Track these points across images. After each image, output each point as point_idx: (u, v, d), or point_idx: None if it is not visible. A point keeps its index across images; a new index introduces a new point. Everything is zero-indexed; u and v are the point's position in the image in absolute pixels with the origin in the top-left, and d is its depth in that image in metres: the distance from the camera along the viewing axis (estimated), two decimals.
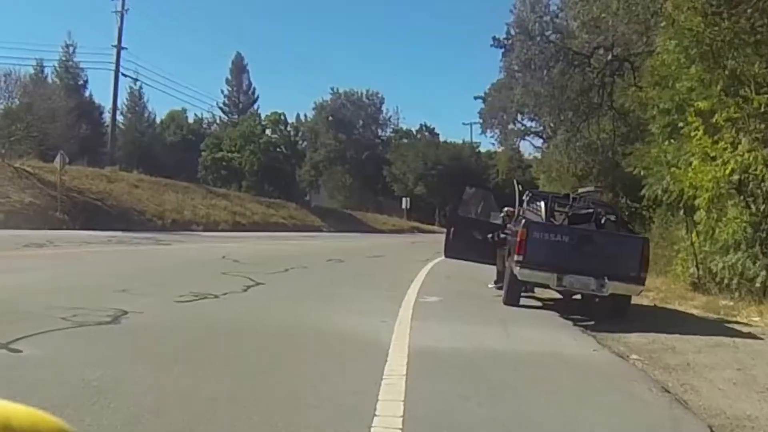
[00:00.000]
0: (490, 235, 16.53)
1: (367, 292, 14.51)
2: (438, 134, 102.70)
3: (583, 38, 36.50)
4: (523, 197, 15.75)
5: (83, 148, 53.33)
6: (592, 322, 12.53)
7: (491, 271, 17.05)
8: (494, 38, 45.22)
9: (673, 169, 18.83)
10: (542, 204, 15.09)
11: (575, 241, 13.13)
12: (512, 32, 39.77)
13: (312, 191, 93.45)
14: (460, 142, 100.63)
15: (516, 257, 12.99)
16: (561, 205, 15.43)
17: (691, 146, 17.97)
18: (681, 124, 18.41)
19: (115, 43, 59.99)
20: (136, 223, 41.80)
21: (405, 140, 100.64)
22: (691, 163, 17.88)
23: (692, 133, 17.53)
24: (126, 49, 60.92)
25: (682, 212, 20.66)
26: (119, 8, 59.45)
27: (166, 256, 22.21)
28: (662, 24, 21.78)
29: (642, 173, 21.44)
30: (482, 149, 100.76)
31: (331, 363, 7.55)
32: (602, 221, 14.37)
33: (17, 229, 28.66)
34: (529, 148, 74.45)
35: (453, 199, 19.81)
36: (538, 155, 74.19)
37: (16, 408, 1.04)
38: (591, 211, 14.45)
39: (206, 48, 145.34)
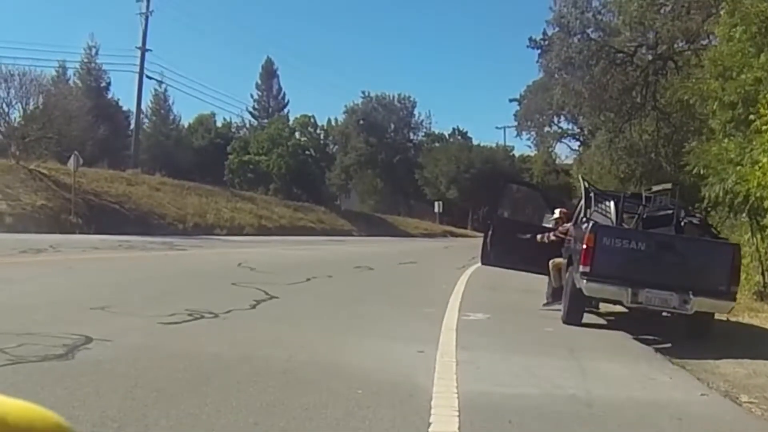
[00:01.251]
0: (540, 236, 14.21)
1: (399, 310, 12.31)
2: (471, 138, 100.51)
3: (626, 36, 35.46)
4: (589, 195, 13.35)
5: (105, 150, 52.11)
6: (669, 345, 10.57)
7: (539, 281, 14.91)
8: (530, 39, 44.41)
9: (738, 167, 16.88)
10: (612, 204, 12.71)
11: (653, 248, 10.85)
12: (550, 31, 38.63)
13: (342, 195, 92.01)
14: (494, 146, 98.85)
15: (581, 268, 10.71)
16: (632, 206, 12.94)
17: (761, 141, 15.86)
18: (752, 117, 16.29)
19: (140, 44, 58.69)
20: (156, 227, 40.42)
21: (437, 144, 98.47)
22: (758, 162, 15.78)
23: (763, 128, 15.62)
24: (150, 51, 59.72)
25: (745, 215, 18.44)
26: (144, 10, 58.20)
27: (173, 264, 20.08)
28: (723, 11, 20.21)
29: (702, 172, 19.26)
30: (516, 153, 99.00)
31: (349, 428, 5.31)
32: (682, 224, 12.02)
33: (25, 233, 26.97)
34: (565, 151, 72.76)
35: (491, 198, 17.57)
36: (574, 158, 73.09)
37: (12, 402, 0.99)
38: (670, 212, 12.04)
39: (236, 52, 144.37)
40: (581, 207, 13.23)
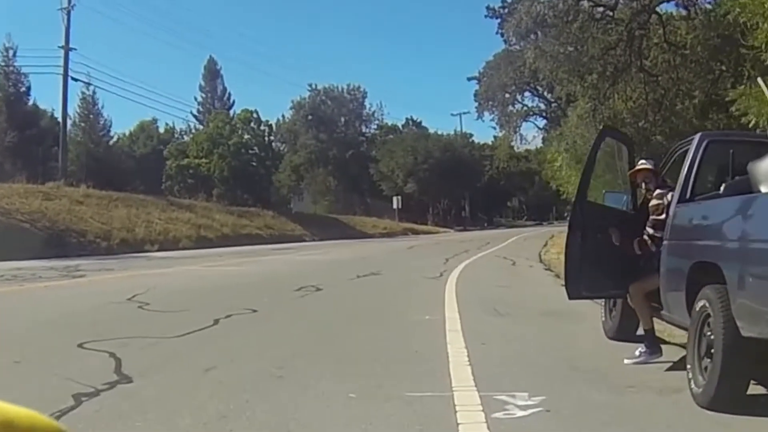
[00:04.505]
0: (650, 230, 7.62)
1: (363, 400, 6.11)
2: (426, 128, 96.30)
3: None
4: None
5: (28, 162, 48.89)
6: None
7: (558, 292, 9.27)
8: (488, 8, 41.47)
9: None
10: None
11: None
12: None
13: (295, 197, 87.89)
14: (452, 133, 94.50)
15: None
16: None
17: None
18: None
19: (62, 43, 52.24)
20: (74, 246, 34.98)
21: (391, 136, 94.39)
22: None
23: None
24: (75, 50, 53.59)
25: None
26: (65, 5, 51.71)
27: (30, 305, 13.82)
28: None
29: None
30: (477, 139, 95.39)
31: None
32: None
33: None
34: (531, 131, 69.46)
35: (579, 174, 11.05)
36: (541, 138, 68.23)
37: (16, 409, 1.05)
38: None
39: (178, 51, 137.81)
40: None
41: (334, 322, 10.60)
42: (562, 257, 25.64)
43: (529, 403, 5.72)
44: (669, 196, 7.26)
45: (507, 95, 59.67)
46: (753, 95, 16.01)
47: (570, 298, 8.51)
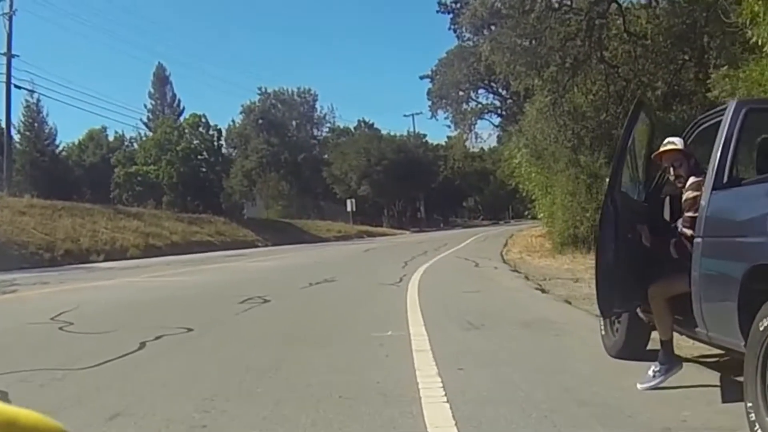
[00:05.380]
0: (687, 230, 5.97)
1: None
2: (378, 129, 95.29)
3: None
4: None
5: None
6: None
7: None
8: (440, 3, 40.62)
9: None
10: None
11: None
12: None
13: (249, 203, 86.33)
14: (405, 134, 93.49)
15: None
16: None
17: None
18: None
19: (5, 50, 50.93)
20: (16, 259, 33.24)
21: (343, 138, 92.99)
22: None
23: None
24: (17, 56, 51.97)
25: None
26: (6, 9, 50.72)
27: None
28: None
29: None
30: (430, 139, 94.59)
31: None
32: None
33: None
34: (487, 128, 69.14)
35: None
36: (496, 137, 67.27)
37: (19, 410, 1.07)
38: None
39: (128, 60, 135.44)
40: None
41: (280, 343, 8.96)
42: (526, 257, 24.23)
43: None
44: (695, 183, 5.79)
45: (461, 93, 58.55)
46: (740, 76, 14.84)
47: (603, 316, 7.00)
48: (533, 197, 35.48)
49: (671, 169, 6.12)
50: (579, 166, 27.94)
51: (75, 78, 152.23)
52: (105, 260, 36.69)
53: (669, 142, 6.16)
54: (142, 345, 8.74)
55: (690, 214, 5.78)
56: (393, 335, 8.99)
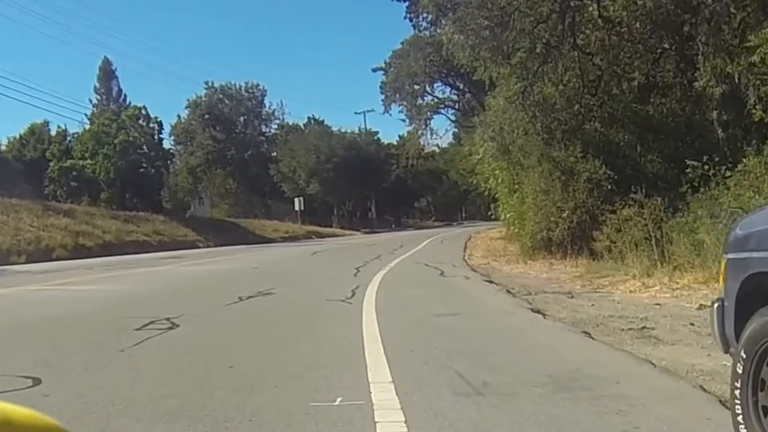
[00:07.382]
0: None
1: None
2: (329, 126, 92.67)
3: None
4: None
5: None
6: None
7: None
8: None
9: None
10: None
11: None
12: None
13: (195, 201, 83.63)
14: (356, 131, 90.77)
15: None
16: None
17: None
18: None
19: None
20: None
21: (292, 135, 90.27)
22: None
23: None
24: None
25: None
26: None
27: None
28: None
29: None
30: (382, 138, 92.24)
31: None
32: None
33: None
34: (443, 124, 67.44)
35: None
36: (452, 133, 64.87)
37: (14, 408, 1.05)
38: None
39: (73, 52, 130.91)
40: None
41: (162, 416, 5.56)
42: (493, 263, 20.93)
43: None
44: None
45: (416, 86, 56.19)
46: None
47: None
48: (497, 196, 32.74)
49: None
50: (553, 161, 25.12)
51: (17, 70, 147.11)
52: (27, 262, 33.86)
53: None
54: None
55: None
56: (343, 405, 5.61)
